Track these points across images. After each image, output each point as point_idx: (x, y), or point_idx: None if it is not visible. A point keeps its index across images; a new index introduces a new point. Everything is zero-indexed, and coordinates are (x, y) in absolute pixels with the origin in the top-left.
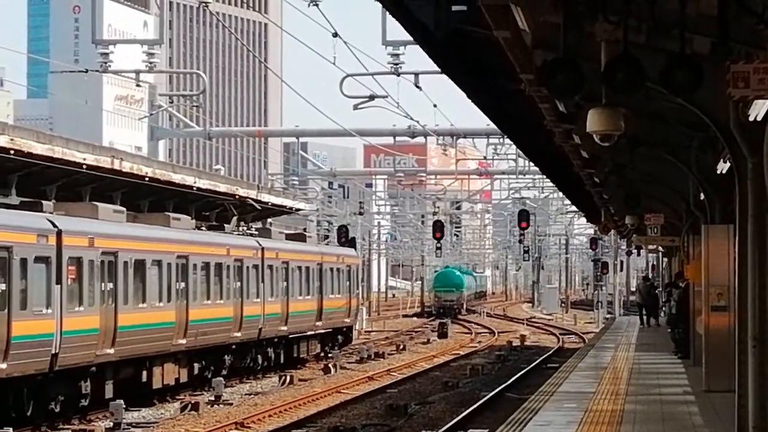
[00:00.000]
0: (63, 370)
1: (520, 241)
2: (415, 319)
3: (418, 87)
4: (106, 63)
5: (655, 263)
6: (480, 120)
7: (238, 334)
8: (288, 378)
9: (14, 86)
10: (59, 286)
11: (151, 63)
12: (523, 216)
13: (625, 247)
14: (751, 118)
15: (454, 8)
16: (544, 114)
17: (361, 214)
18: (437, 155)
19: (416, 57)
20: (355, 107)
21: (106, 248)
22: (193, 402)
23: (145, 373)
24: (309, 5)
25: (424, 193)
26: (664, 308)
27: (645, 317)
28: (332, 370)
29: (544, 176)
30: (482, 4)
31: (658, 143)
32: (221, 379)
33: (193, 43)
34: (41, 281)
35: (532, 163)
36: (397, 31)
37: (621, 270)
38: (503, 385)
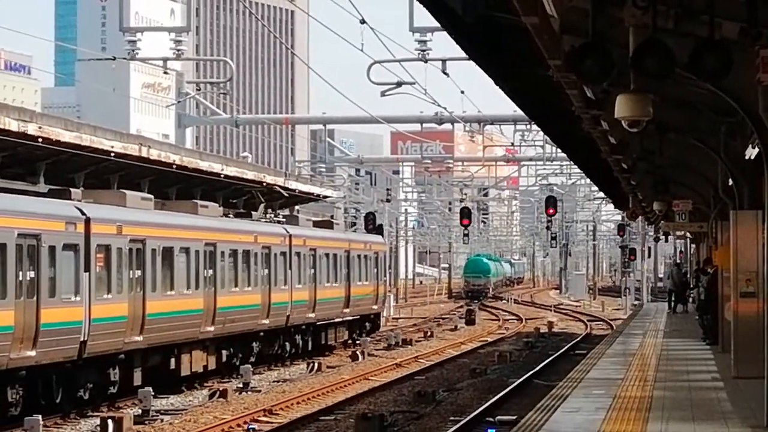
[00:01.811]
0: (92, 358)
1: (548, 228)
2: (442, 306)
3: (445, 73)
4: (133, 50)
5: (683, 249)
6: (507, 106)
7: (266, 322)
8: (316, 365)
9: (42, 74)
10: (88, 273)
11: (178, 50)
12: (551, 202)
13: (652, 233)
14: None
15: None
16: (572, 100)
17: (388, 201)
18: (464, 142)
19: (444, 43)
20: (383, 94)
21: (134, 236)
22: (221, 389)
23: (173, 360)
24: None
25: (451, 180)
26: (691, 294)
27: (674, 303)
28: (360, 357)
29: (572, 162)
30: None
31: (687, 129)
32: (249, 366)
33: (220, 31)
34: (70, 269)
35: (559, 150)
36: (424, 17)
37: (649, 256)
38: (531, 372)
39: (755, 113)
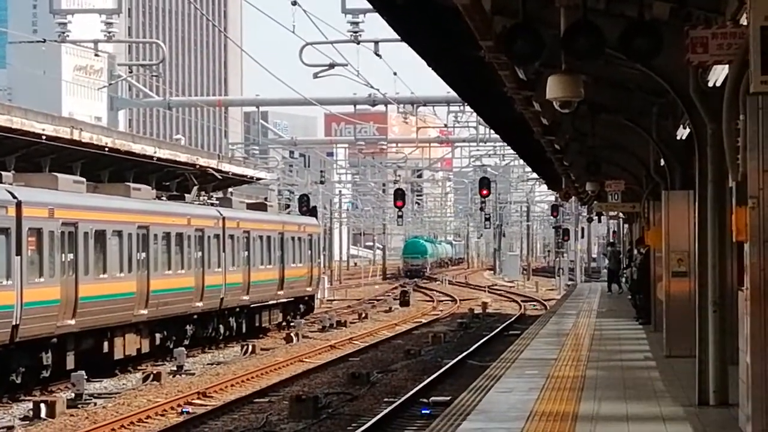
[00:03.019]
0: (24, 342)
1: (482, 209)
2: (376, 287)
3: (378, 55)
4: (64, 33)
5: (616, 229)
6: (440, 88)
7: (200, 304)
8: (250, 347)
9: None
10: (19, 257)
11: (109, 32)
12: (484, 183)
13: (586, 213)
14: (710, 84)
15: None
16: (504, 81)
17: (322, 183)
18: (398, 123)
19: (376, 25)
20: (315, 76)
21: (66, 219)
22: (155, 372)
23: (106, 343)
24: None
25: (385, 162)
26: (624, 274)
27: (608, 283)
28: (294, 339)
29: (505, 144)
30: None
31: (619, 110)
32: (183, 349)
33: (152, 12)
34: (1, 253)
35: (492, 131)
36: None
37: (582, 237)
38: (465, 353)
39: (686, 94)
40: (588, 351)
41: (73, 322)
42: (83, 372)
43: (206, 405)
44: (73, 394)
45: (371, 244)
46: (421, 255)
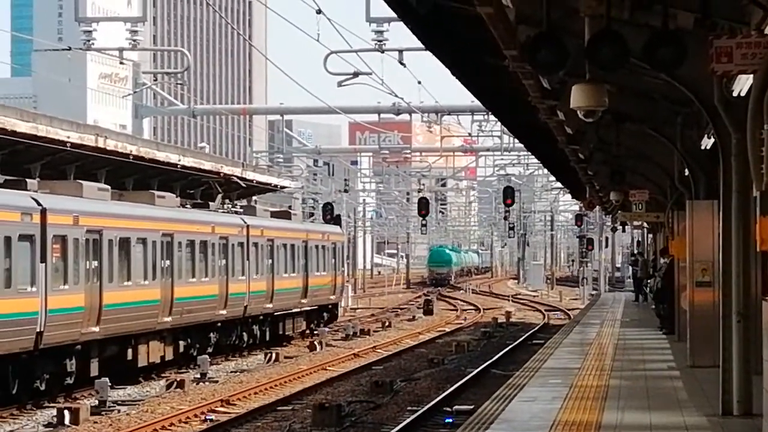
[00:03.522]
0: (48, 348)
1: (505, 218)
2: (400, 296)
3: (402, 64)
4: (89, 41)
5: (640, 239)
6: (465, 97)
7: (224, 312)
8: (273, 355)
9: None
10: (44, 264)
11: (134, 40)
12: (508, 193)
13: (610, 223)
14: (735, 94)
15: None
16: (528, 90)
17: (346, 191)
18: (422, 132)
19: (400, 34)
20: (340, 84)
21: (90, 226)
22: (178, 380)
23: (130, 351)
24: None
25: (409, 170)
26: (648, 283)
27: (635, 293)
28: (318, 347)
29: (529, 153)
30: None
31: (643, 119)
32: (207, 356)
33: (177, 21)
34: (26, 259)
35: (516, 140)
36: (380, 7)
37: (606, 246)
38: (488, 362)
39: (710, 103)
40: (611, 360)
41: (97, 329)
42: (107, 379)
43: (229, 413)
44: (96, 401)
45: (395, 252)
46: (446, 264)
